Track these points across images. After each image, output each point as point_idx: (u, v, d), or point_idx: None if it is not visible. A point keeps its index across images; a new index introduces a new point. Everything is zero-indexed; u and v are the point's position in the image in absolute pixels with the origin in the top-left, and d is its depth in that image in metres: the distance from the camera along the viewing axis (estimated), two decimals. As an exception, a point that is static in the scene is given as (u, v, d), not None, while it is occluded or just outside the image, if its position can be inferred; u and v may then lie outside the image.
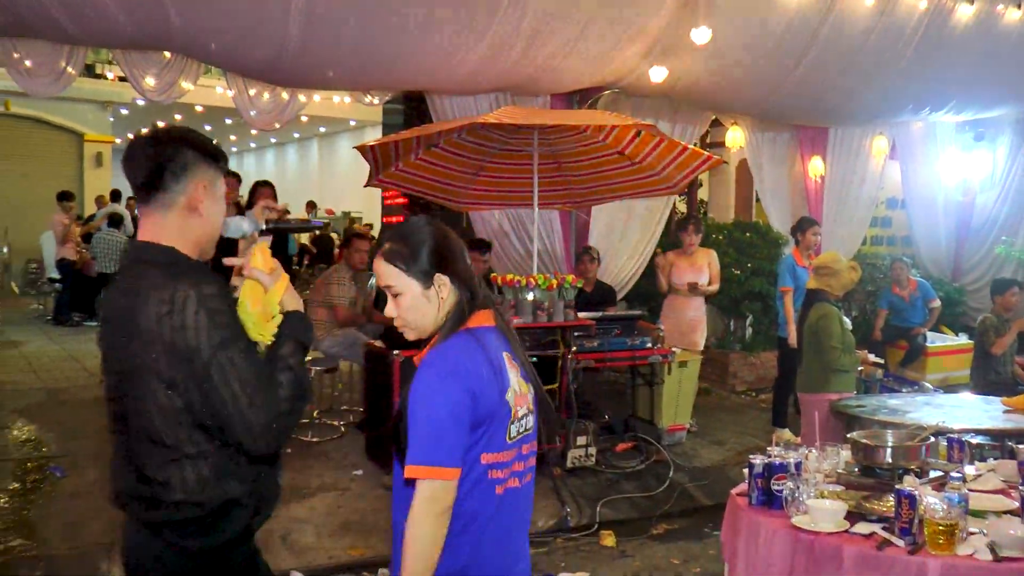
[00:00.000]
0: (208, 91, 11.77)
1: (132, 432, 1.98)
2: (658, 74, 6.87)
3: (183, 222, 2.03)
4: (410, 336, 2.09)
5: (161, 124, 2.24)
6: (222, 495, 1.99)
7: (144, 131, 2.12)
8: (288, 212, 2.46)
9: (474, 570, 1.92)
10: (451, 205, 7.10)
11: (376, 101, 7.97)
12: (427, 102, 7.24)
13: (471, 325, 2.01)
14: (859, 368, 5.54)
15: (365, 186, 6.80)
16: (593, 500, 5.50)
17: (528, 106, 7.14)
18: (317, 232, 12.01)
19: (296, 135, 22.24)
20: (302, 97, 8.04)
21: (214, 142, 2.11)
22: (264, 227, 2.35)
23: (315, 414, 7.09)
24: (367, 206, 17.00)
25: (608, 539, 5.06)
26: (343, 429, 6.85)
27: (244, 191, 8.90)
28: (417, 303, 2.02)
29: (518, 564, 2.04)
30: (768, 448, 3.10)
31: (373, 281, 9.46)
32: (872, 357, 5.62)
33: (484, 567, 1.94)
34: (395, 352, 5.59)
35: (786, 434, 6.79)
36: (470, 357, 1.94)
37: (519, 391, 2.01)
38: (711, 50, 6.72)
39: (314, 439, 6.62)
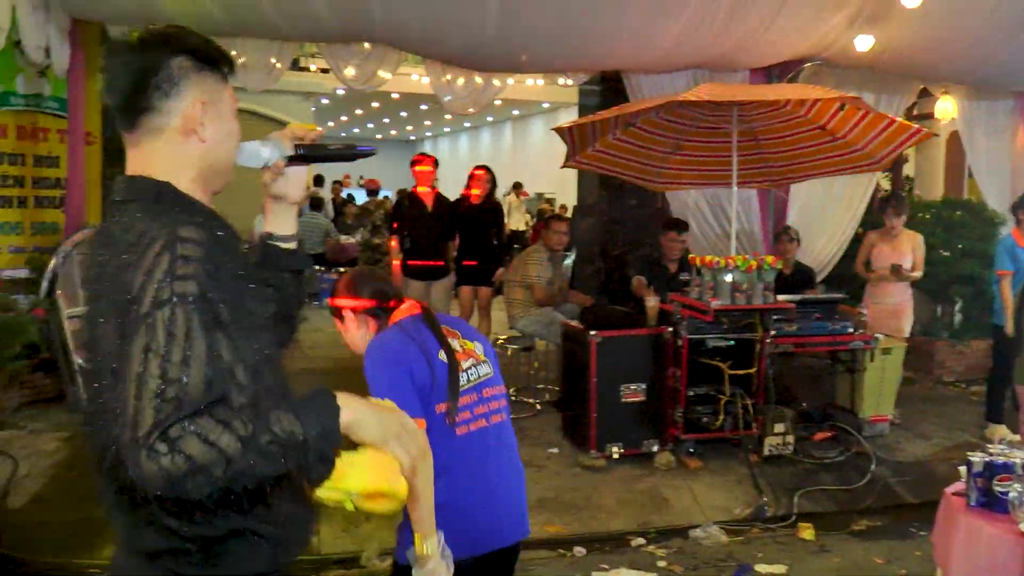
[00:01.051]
0: (404, 79, 12.28)
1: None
2: (864, 43, 6.52)
3: (178, 149, 1.60)
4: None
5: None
6: (224, 524, 1.51)
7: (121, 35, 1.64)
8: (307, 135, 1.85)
9: (453, 503, 2.27)
10: (648, 185, 7.07)
11: (571, 83, 8.03)
12: (623, 81, 7.22)
13: (396, 319, 2.48)
14: None
15: (562, 167, 6.88)
16: (790, 490, 5.35)
17: (726, 82, 6.97)
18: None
19: (490, 118, 22.74)
20: (496, 82, 8.23)
21: (219, 47, 1.65)
22: (292, 152, 1.82)
23: (511, 391, 7.27)
24: (560, 187, 17.18)
25: (807, 532, 4.90)
26: (538, 407, 7.00)
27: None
28: (344, 331, 2.56)
29: (500, 489, 2.46)
30: (987, 445, 2.91)
31: (570, 261, 9.59)
32: None
33: (461, 498, 2.33)
34: (592, 332, 5.65)
35: (1003, 430, 6.32)
36: (400, 343, 2.39)
37: (462, 349, 2.48)
38: (922, 14, 6.29)
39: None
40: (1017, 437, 3.56)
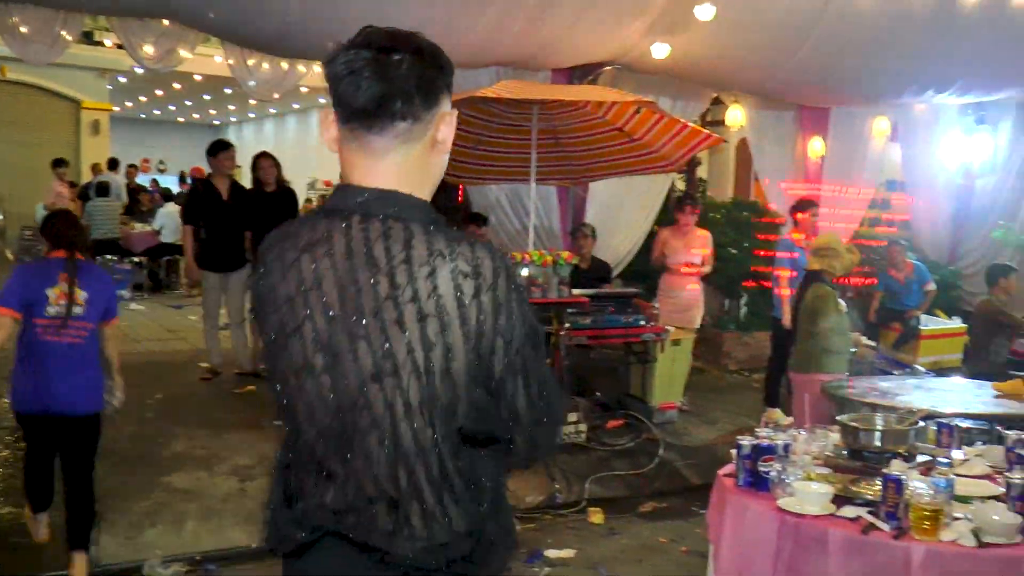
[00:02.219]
0: (207, 60, 11.66)
1: None
2: (660, 51, 6.81)
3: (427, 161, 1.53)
4: None
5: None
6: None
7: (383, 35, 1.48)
8: None
9: (23, 373, 3.88)
10: (448, 178, 7.04)
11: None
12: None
13: (45, 256, 4.00)
14: (852, 350, 5.55)
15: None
16: (582, 477, 5.52)
17: (529, 81, 7.09)
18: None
19: (296, 106, 22.08)
20: (302, 67, 7.98)
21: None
22: None
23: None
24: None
25: (596, 516, 5.08)
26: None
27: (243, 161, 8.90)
28: None
29: (56, 376, 3.82)
30: (757, 429, 3.10)
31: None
32: (865, 340, 5.62)
33: (30, 372, 3.84)
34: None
35: (777, 414, 6.80)
36: (30, 270, 4.12)
37: (64, 291, 3.79)
38: (714, 27, 6.65)
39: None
40: (789, 420, 3.81)
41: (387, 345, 1.41)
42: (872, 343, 5.73)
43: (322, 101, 20.58)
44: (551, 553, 4.57)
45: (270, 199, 7.46)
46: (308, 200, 18.34)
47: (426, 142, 1.50)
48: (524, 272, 5.48)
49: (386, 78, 1.42)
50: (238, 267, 7.30)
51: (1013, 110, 9.87)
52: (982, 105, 9.81)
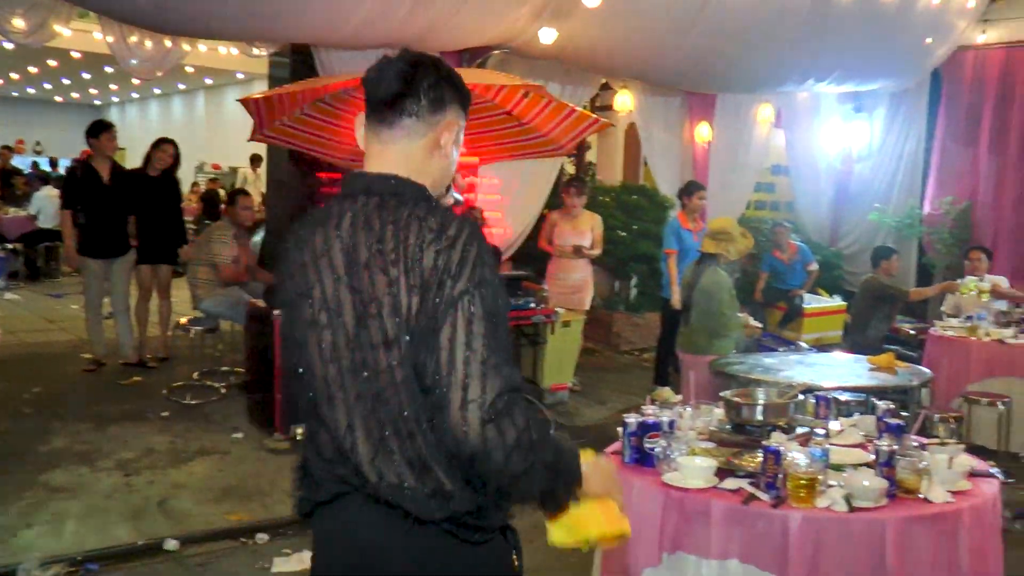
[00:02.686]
0: (86, 36, 11.12)
1: None
2: (548, 36, 6.84)
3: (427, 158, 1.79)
4: None
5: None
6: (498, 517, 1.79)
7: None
8: None
9: None
10: (339, 162, 6.94)
11: (263, 53, 7.69)
12: (314, 56, 7.02)
13: None
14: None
15: (249, 140, 6.58)
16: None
17: (417, 63, 7.01)
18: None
19: (182, 86, 21.31)
20: (186, 46, 7.70)
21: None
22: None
23: (195, 375, 6.90)
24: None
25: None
26: (224, 391, 6.68)
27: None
28: None
29: None
30: (643, 407, 3.15)
31: (258, 239, 9.22)
32: (753, 321, 5.79)
33: None
34: (276, 312, 5.45)
35: (666, 392, 6.94)
36: None
37: None
38: (602, 14, 6.71)
39: (194, 401, 6.45)
40: (678, 398, 3.86)
41: (372, 290, 1.64)
42: (759, 325, 5.92)
43: (209, 81, 19.94)
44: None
45: (152, 183, 7.21)
46: (196, 184, 17.74)
47: (429, 141, 1.76)
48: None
49: (404, 81, 1.73)
50: (121, 253, 7.06)
51: (887, 99, 10.35)
52: (859, 94, 10.27)
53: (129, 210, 7.02)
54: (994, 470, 3.15)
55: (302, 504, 1.80)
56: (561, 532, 1.76)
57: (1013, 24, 9.55)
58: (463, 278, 1.59)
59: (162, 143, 7.42)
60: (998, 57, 9.69)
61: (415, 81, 1.73)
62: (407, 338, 1.61)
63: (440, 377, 1.57)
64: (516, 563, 1.81)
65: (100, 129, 7.08)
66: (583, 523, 1.75)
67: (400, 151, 1.75)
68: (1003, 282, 7.62)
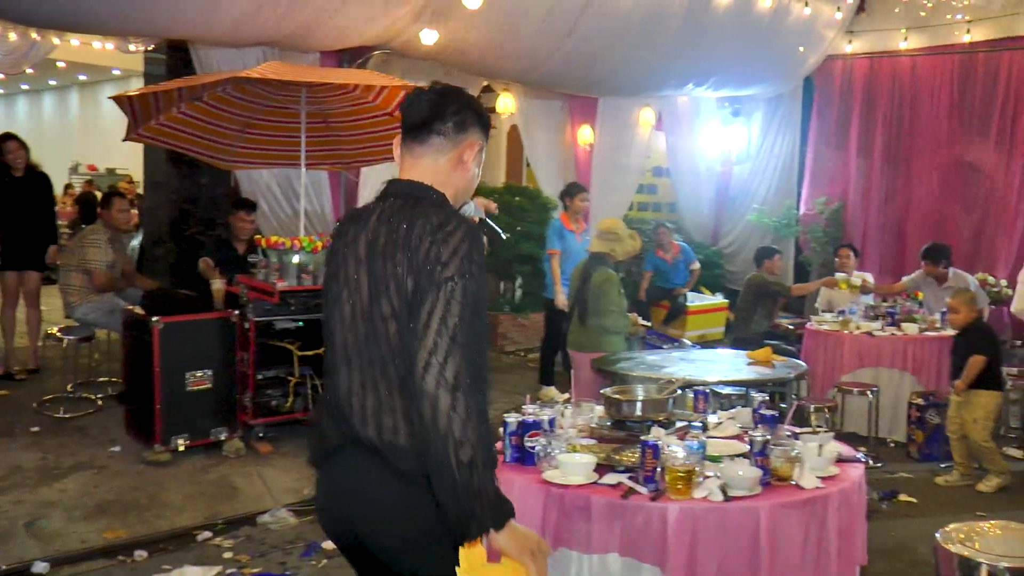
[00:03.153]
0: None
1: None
2: (429, 37, 6.82)
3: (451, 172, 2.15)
4: None
5: None
6: None
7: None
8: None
9: None
10: (217, 163, 6.75)
11: (140, 49, 7.43)
12: (190, 52, 6.81)
13: None
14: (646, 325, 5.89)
15: (124, 140, 6.34)
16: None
17: (297, 63, 6.89)
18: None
19: (53, 82, 20.34)
20: (55, 39, 7.34)
21: None
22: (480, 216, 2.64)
23: (69, 387, 6.58)
24: (135, 163, 15.87)
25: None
26: (100, 403, 6.41)
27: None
28: None
29: None
30: (523, 406, 3.17)
31: (136, 243, 8.88)
32: (640, 319, 5.91)
33: None
34: (154, 318, 5.27)
35: (551, 392, 7.02)
36: None
37: None
38: (482, 16, 6.75)
39: (68, 415, 6.15)
40: (564, 396, 3.92)
41: (383, 272, 1.97)
42: (647, 324, 6.05)
43: (82, 78, 19.10)
44: (328, 544, 4.47)
45: (17, 184, 6.84)
46: (70, 186, 16.96)
47: (453, 157, 2.12)
48: (296, 259, 5.32)
49: (433, 107, 2.10)
50: None
51: (763, 104, 10.77)
52: (737, 99, 10.64)
53: None
54: (860, 455, 3.30)
55: (314, 454, 2.15)
56: (465, 564, 1.86)
57: (875, 36, 10.08)
58: (451, 267, 1.89)
59: (2, 141, 6.97)
60: (863, 66, 10.20)
61: (443, 107, 2.10)
62: (405, 313, 1.92)
63: (415, 342, 1.87)
64: None
65: None
66: (490, 572, 1.90)
67: (429, 164, 2.10)
68: (869, 278, 8.00)
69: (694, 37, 8.00)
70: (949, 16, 9.48)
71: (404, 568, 2.03)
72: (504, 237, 3.04)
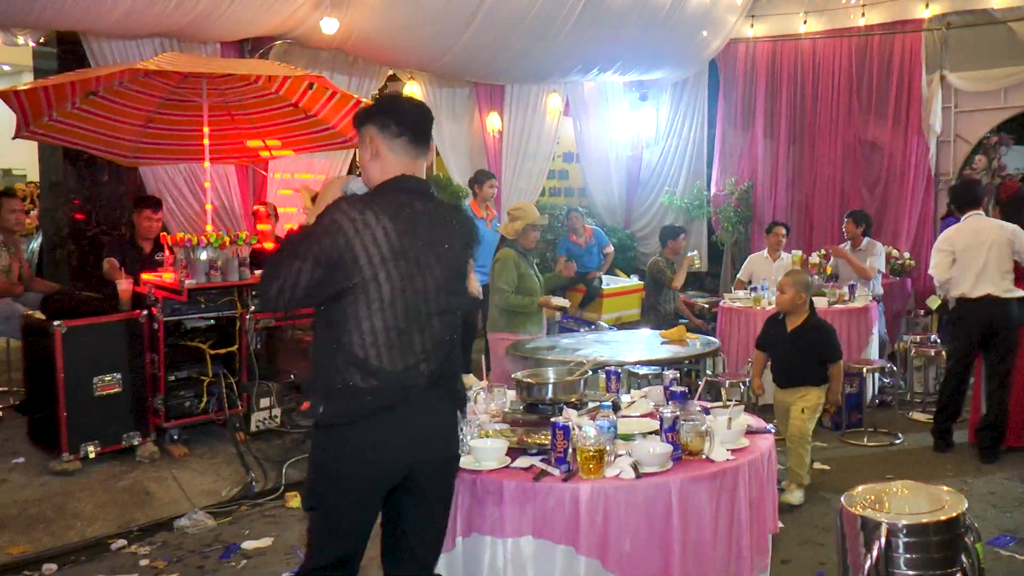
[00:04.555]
0: None
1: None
2: (329, 26, 6.71)
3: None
4: None
5: None
6: None
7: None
8: None
9: None
10: (119, 160, 6.52)
11: (30, 42, 7.10)
12: (83, 45, 6.55)
13: None
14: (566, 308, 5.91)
15: (13, 138, 6.07)
16: (279, 463, 5.37)
17: (196, 54, 6.70)
18: None
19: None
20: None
21: None
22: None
23: (-35, 400, 6.30)
24: (31, 162, 15.21)
25: (294, 500, 4.94)
26: (0, 414, 6.15)
27: None
28: None
29: None
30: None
31: (35, 246, 8.55)
32: (557, 300, 5.88)
33: None
34: (56, 322, 5.08)
35: (469, 379, 6.99)
36: None
37: None
38: (382, 5, 6.67)
39: (-36, 428, 5.88)
40: (482, 383, 3.89)
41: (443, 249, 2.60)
42: (564, 303, 6.05)
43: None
44: (247, 544, 4.41)
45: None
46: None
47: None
48: (203, 255, 5.19)
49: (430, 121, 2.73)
50: None
51: (670, 88, 10.93)
52: (644, 83, 10.77)
53: None
54: (769, 426, 3.38)
55: (357, 411, 2.47)
56: None
57: (776, 19, 10.33)
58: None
59: None
60: (766, 49, 10.45)
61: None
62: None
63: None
64: None
65: None
66: None
67: (423, 167, 2.70)
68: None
69: (595, 24, 8.05)
70: (845, 0, 9.78)
71: (446, 483, 2.65)
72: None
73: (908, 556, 2.63)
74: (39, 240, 8.43)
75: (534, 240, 5.69)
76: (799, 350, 5.08)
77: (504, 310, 5.56)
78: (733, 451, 2.98)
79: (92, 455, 5.13)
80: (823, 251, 8.24)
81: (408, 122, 2.60)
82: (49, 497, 4.81)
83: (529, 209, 5.65)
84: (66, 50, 6.97)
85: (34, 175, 15.22)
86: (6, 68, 16.32)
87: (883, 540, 2.62)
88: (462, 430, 2.78)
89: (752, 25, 10.32)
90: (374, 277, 2.42)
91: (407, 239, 2.47)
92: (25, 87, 5.55)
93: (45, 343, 5.19)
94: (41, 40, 6.96)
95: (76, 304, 5.39)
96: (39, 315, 5.41)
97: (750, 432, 3.19)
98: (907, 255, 8.89)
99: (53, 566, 4.20)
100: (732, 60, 10.64)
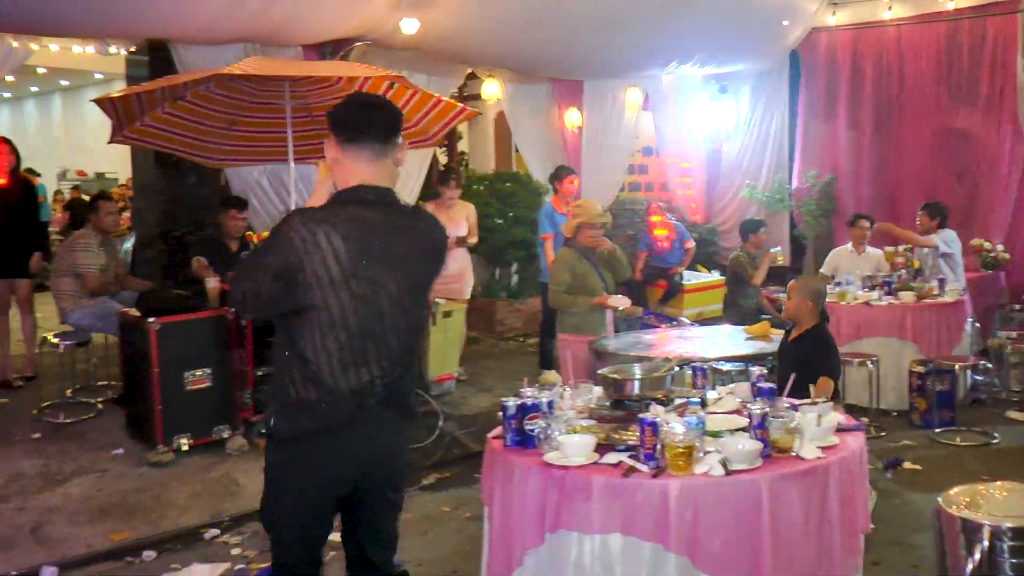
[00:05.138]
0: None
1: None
2: (409, 26, 6.79)
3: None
4: None
5: None
6: None
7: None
8: None
9: None
10: (205, 162, 6.71)
11: (122, 51, 7.36)
12: (171, 52, 6.77)
13: None
14: (619, 309, 5.81)
15: (109, 143, 6.30)
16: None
17: (278, 57, 6.84)
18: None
19: (34, 88, 20.22)
20: (33, 45, 7.28)
21: None
22: None
23: (68, 392, 6.57)
24: (124, 166, 15.78)
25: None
26: (100, 407, 6.40)
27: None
28: None
29: None
30: (522, 389, 3.16)
31: (128, 246, 8.86)
32: (614, 299, 5.67)
33: None
34: (150, 319, 5.26)
35: (551, 376, 6.97)
36: None
37: None
38: (460, 3, 6.70)
39: (67, 420, 6.14)
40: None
41: (400, 264, 2.53)
42: (622, 301, 5.83)
43: (65, 83, 19.01)
44: (333, 536, 4.48)
45: (2, 192, 6.81)
46: (59, 192, 16.88)
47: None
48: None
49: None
50: None
51: (750, 79, 10.73)
52: (723, 75, 10.61)
53: None
54: (860, 423, 3.30)
55: (331, 420, 2.49)
56: None
57: (859, 7, 10.05)
58: None
59: None
60: (848, 37, 10.18)
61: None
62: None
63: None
64: None
65: None
66: None
67: (388, 166, 2.68)
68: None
69: (673, 16, 7.96)
70: (933, -16, 9.48)
71: (395, 492, 2.71)
72: None
73: (1014, 560, 2.53)
74: (132, 240, 8.73)
75: (591, 239, 5.41)
76: (793, 361, 4.27)
77: (562, 311, 5.53)
78: (823, 449, 2.92)
79: (185, 447, 5.32)
80: (904, 247, 7.96)
81: (359, 124, 2.54)
82: (147, 487, 4.99)
83: (587, 207, 5.52)
84: (156, 58, 7.19)
85: (126, 178, 15.81)
86: (98, 76, 16.99)
87: (986, 543, 2.54)
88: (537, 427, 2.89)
89: (834, 13, 10.06)
90: (324, 300, 2.40)
91: (359, 258, 2.42)
92: (119, 94, 5.75)
93: (140, 339, 5.38)
94: (132, 49, 7.22)
95: (168, 302, 5.58)
96: (134, 312, 5.61)
97: (840, 430, 3.12)
98: (1000, 247, 8.56)
99: (152, 553, 4.34)
100: (813, 49, 10.39)
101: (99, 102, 5.80)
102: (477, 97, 9.62)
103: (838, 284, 7.14)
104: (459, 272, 7.27)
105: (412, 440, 2.71)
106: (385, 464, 2.60)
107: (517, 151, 9.31)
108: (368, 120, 2.55)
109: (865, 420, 4.80)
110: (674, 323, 7.81)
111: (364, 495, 2.62)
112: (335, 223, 2.42)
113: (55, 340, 6.46)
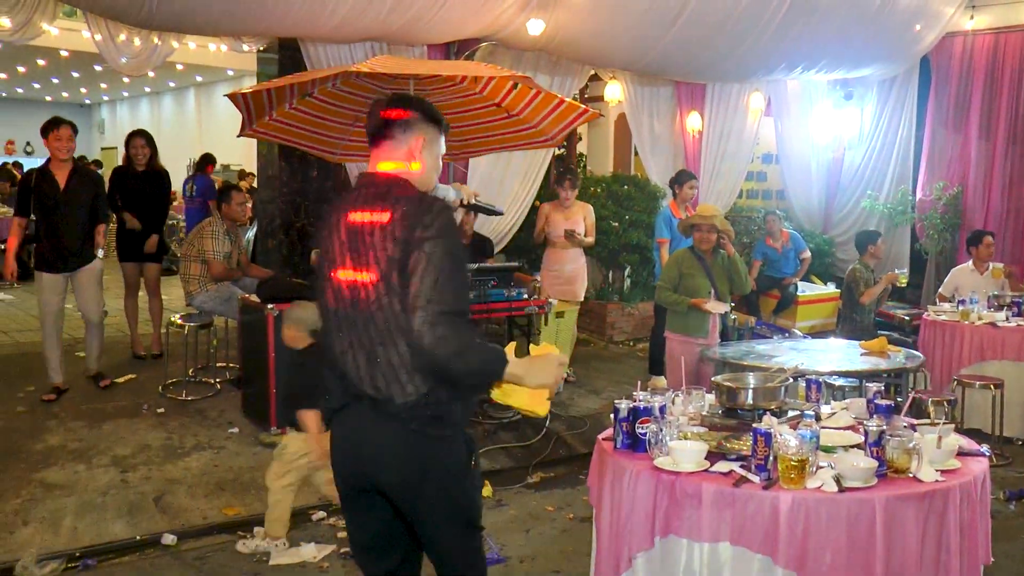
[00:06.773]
0: (74, 35, 11.02)
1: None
2: (535, 27, 6.83)
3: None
4: None
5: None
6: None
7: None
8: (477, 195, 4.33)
9: None
10: (328, 156, 6.92)
11: (252, 49, 7.68)
12: (301, 50, 7.01)
13: None
14: (724, 312, 5.77)
15: (238, 136, 6.56)
16: (473, 451, 5.53)
17: (404, 56, 6.99)
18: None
19: (172, 84, 21.22)
20: (174, 43, 7.66)
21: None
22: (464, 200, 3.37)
23: (190, 372, 6.89)
24: (249, 158, 16.42)
25: (484, 489, 5.09)
26: (219, 386, 6.68)
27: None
28: None
29: None
30: (634, 392, 3.16)
31: (251, 235, 9.21)
32: (711, 304, 5.65)
33: None
34: (269, 306, 5.46)
35: (661, 381, 6.95)
36: None
37: None
38: (588, 5, 6.70)
39: (189, 398, 6.44)
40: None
41: (368, 249, 2.37)
42: (721, 307, 5.81)
43: (199, 79, 19.88)
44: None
45: (139, 179, 7.20)
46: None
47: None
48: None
49: None
50: (83, 264, 6.32)
51: (876, 86, 10.37)
52: (849, 81, 10.28)
53: (97, 215, 6.40)
54: (983, 449, 3.16)
55: (324, 413, 2.56)
56: (496, 393, 2.41)
57: (1001, 9, 9.57)
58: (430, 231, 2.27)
59: (132, 137, 7.37)
60: (986, 42, 9.71)
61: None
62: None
63: (408, 303, 2.25)
64: (473, 462, 2.45)
65: (47, 128, 6.21)
66: (512, 394, 2.41)
67: (381, 158, 2.56)
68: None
69: (801, 20, 7.77)
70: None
71: (410, 504, 2.43)
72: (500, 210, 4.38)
73: None
74: (254, 230, 9.07)
75: (700, 240, 5.62)
76: None
77: (671, 311, 5.55)
78: (943, 472, 2.81)
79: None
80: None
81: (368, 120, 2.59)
82: (260, 466, 5.17)
83: (701, 209, 5.59)
84: (286, 55, 7.46)
85: (250, 170, 16.42)
86: (230, 73, 17.70)
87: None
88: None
89: (972, 16, 9.62)
90: (320, 286, 2.49)
91: (335, 245, 2.43)
92: (250, 89, 5.98)
93: (259, 324, 5.59)
94: (262, 47, 7.51)
95: (287, 289, 5.77)
96: (254, 298, 5.83)
97: (961, 454, 3.00)
98: None
99: (262, 529, 4.52)
100: (947, 55, 9.96)
101: (232, 97, 6.04)
102: (599, 99, 9.60)
103: (962, 302, 6.84)
104: (573, 273, 7.28)
105: (435, 453, 2.36)
106: (390, 470, 2.38)
107: (636, 154, 9.23)
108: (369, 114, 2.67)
109: (986, 447, 4.58)
110: (786, 335, 7.64)
111: (402, 506, 2.46)
112: (330, 213, 2.56)
113: (180, 321, 6.79)
